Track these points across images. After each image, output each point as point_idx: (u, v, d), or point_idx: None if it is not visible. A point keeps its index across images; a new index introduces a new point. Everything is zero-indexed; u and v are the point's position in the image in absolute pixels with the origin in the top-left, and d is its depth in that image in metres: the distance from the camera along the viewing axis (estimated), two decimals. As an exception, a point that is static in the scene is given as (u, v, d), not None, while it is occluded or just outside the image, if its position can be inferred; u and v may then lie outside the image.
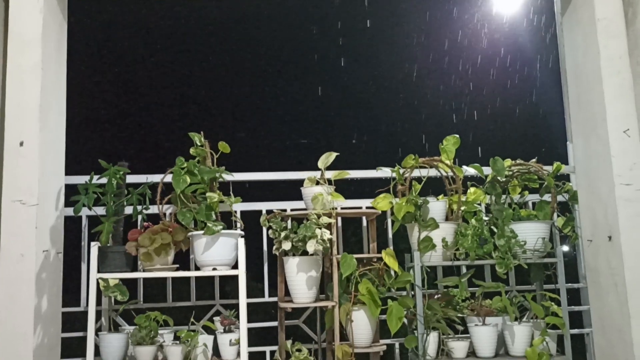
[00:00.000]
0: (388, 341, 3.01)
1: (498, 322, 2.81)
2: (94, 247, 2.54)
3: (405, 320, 2.81)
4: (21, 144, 2.33)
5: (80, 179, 2.72)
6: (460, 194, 2.93)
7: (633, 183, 2.36)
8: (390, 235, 3.20)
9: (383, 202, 2.89)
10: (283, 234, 2.74)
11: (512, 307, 2.76)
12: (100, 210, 2.72)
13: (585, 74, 2.58)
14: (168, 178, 2.82)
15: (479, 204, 3.03)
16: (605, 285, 2.48)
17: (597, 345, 2.61)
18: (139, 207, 2.72)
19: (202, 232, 2.59)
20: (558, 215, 2.98)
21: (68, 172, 2.74)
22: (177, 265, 2.69)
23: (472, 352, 2.79)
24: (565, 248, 3.02)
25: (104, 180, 2.63)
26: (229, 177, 2.82)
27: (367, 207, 3.05)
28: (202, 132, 2.81)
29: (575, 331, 3.11)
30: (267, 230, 2.86)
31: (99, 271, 2.53)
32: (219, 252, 2.62)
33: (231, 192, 2.81)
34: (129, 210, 2.73)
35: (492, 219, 2.89)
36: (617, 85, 2.46)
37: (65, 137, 2.66)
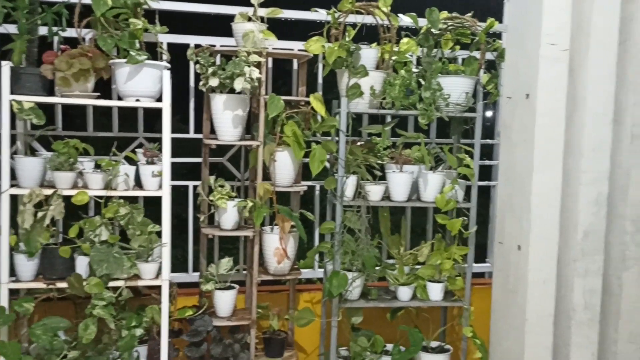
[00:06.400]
0: (309, 183, 3.13)
1: (414, 171, 2.96)
2: (6, 66, 2.38)
3: (327, 164, 2.91)
4: None
5: (-14, -9, 2.47)
6: (393, 43, 2.91)
7: (558, 43, 2.40)
8: (320, 81, 3.18)
9: (315, 45, 2.83)
10: (211, 70, 2.67)
11: (428, 157, 2.90)
12: (12, 29, 2.53)
13: None
14: (87, -1, 2.61)
15: (411, 55, 3.04)
16: (515, 141, 2.61)
17: (500, 195, 2.81)
18: (55, 28, 2.53)
19: (124, 60, 2.47)
20: (484, 72, 3.04)
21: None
22: (98, 94, 2.59)
23: (387, 196, 2.96)
24: (487, 109, 3.13)
25: (14, -6, 2.41)
26: (154, 4, 2.65)
27: (299, 50, 2.99)
28: (126, -49, 2.57)
29: (482, 183, 3.34)
30: (195, 65, 2.77)
31: (12, 92, 2.40)
32: (143, 83, 2.54)
33: (157, 22, 2.65)
34: (43, 30, 2.54)
35: (421, 71, 2.92)
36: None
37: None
